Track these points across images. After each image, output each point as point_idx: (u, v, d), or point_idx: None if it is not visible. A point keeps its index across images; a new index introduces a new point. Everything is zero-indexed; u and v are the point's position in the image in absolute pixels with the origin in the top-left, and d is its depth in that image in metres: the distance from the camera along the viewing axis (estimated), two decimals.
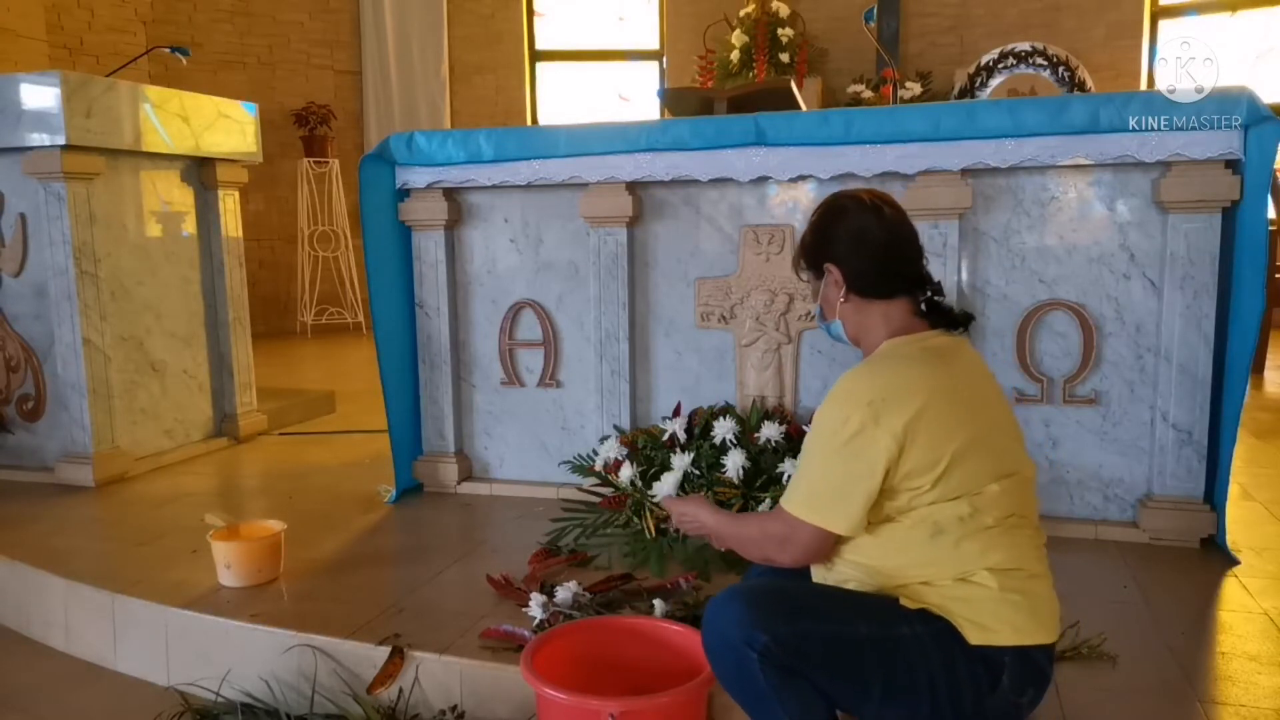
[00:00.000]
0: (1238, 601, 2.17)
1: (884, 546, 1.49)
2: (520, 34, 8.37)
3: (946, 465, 1.43)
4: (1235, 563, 2.38)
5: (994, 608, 1.43)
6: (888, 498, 1.47)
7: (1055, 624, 1.50)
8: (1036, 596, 1.47)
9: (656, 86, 8.29)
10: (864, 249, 1.59)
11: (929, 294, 1.58)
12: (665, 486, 2.42)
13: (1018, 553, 1.47)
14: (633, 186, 2.83)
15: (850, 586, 1.54)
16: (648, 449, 2.63)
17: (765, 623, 1.40)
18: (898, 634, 1.43)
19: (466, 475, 3.14)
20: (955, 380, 1.51)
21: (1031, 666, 1.46)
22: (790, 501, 1.52)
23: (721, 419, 2.58)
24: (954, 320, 1.58)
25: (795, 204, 2.76)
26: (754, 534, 1.62)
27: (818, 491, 1.49)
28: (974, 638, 1.43)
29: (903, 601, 1.47)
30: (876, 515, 1.48)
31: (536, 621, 2.00)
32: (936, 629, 1.44)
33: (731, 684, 1.47)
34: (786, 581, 1.49)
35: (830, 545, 1.52)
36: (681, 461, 2.50)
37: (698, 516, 1.73)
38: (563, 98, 8.51)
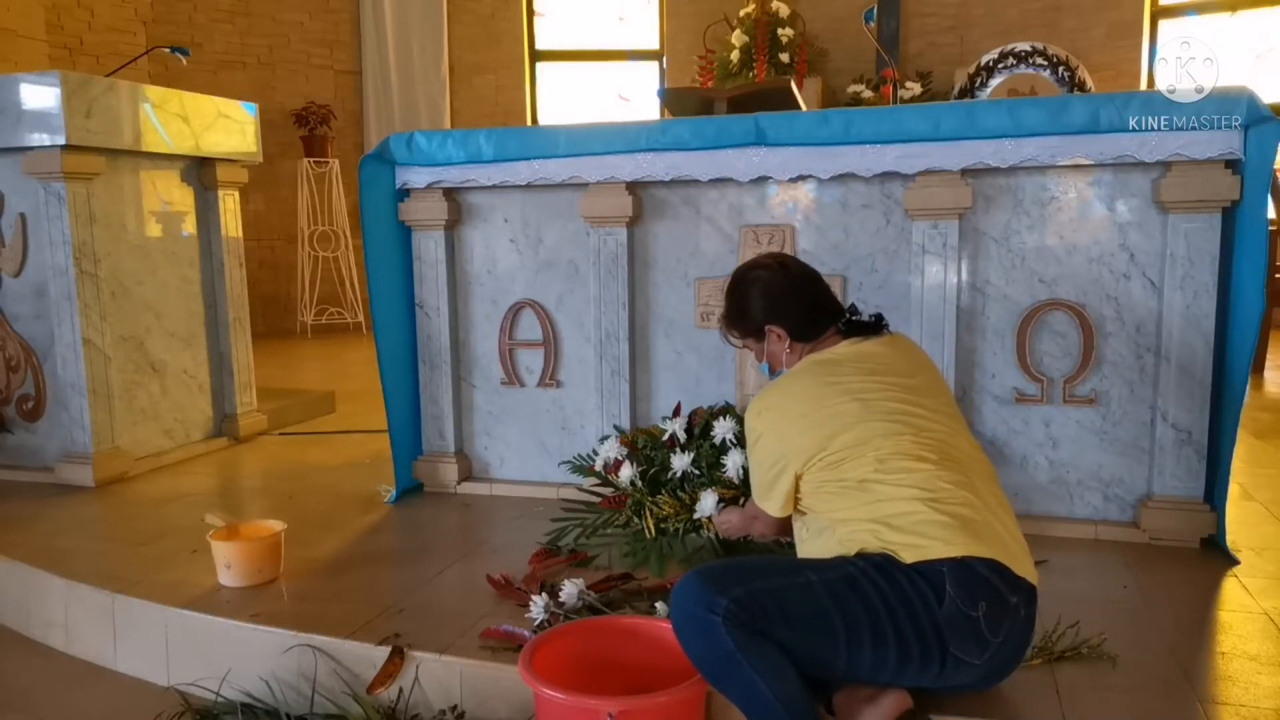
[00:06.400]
0: (1238, 601, 2.17)
1: (833, 503, 1.71)
2: (520, 34, 8.37)
3: (835, 439, 1.69)
4: (1235, 563, 2.38)
5: (925, 527, 1.58)
6: (808, 474, 1.73)
7: (1001, 546, 1.59)
8: (973, 521, 1.59)
9: (656, 86, 8.29)
10: (791, 303, 1.89)
11: (847, 316, 1.88)
12: (707, 505, 2.43)
13: (944, 485, 1.62)
14: (633, 186, 2.83)
15: (824, 539, 1.72)
16: (648, 449, 2.63)
17: (723, 588, 1.52)
18: (845, 572, 1.58)
19: (466, 475, 3.14)
20: (845, 376, 1.77)
21: (974, 577, 1.54)
22: (753, 496, 1.92)
23: (721, 419, 2.58)
24: (867, 330, 1.86)
25: (795, 204, 2.76)
26: (748, 519, 2.05)
27: (755, 484, 1.88)
28: (908, 556, 1.56)
29: (840, 553, 1.65)
30: (810, 486, 1.74)
31: (536, 622, 2.00)
32: (875, 560, 1.59)
33: (701, 657, 1.54)
34: (737, 558, 1.86)
35: (782, 519, 1.85)
36: (681, 461, 2.50)
37: (727, 516, 2.21)
38: (563, 98, 8.51)
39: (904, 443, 1.66)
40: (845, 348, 1.83)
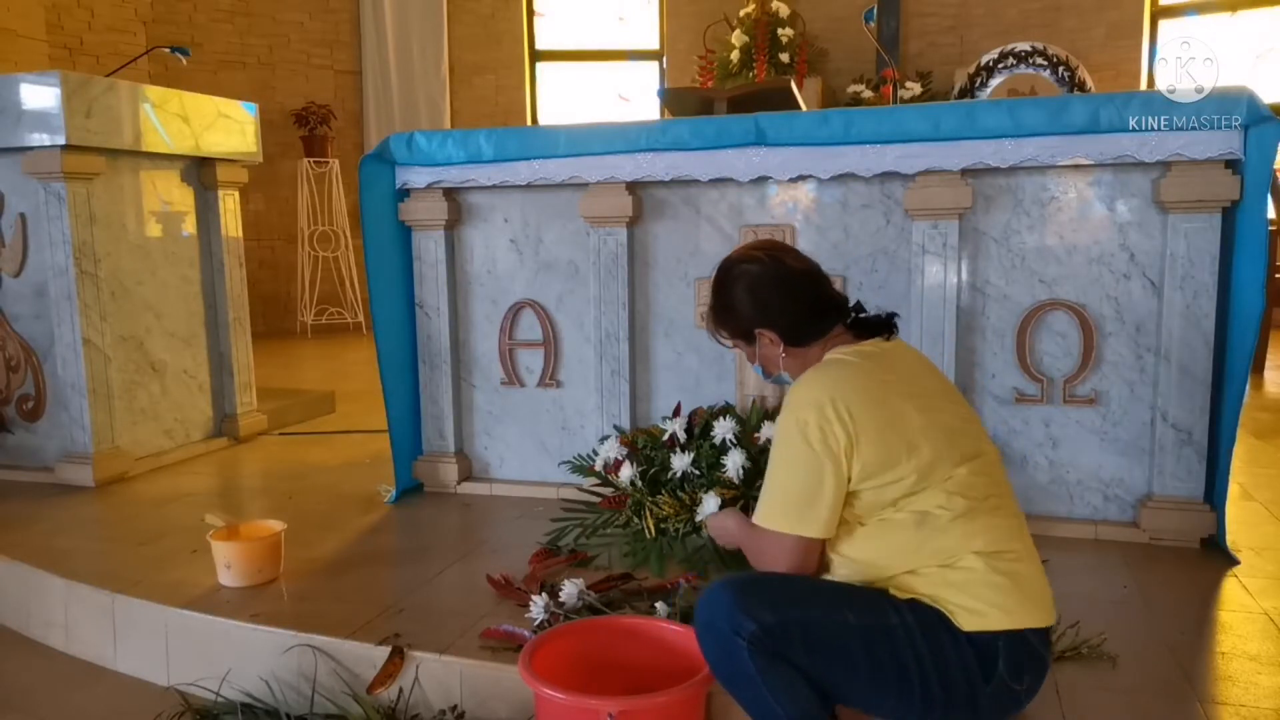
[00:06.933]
0: (1238, 601, 2.18)
1: (872, 542, 1.53)
2: (520, 34, 8.37)
3: (906, 455, 1.49)
4: (1235, 563, 2.38)
5: (982, 591, 1.46)
6: (858, 498, 1.53)
7: (1048, 607, 1.52)
8: (1025, 578, 1.50)
9: (656, 86, 8.29)
10: (786, 304, 1.66)
11: (853, 314, 1.67)
12: (709, 509, 2.36)
13: (1001, 535, 1.50)
14: (633, 186, 2.83)
15: (843, 577, 1.58)
16: (648, 449, 2.63)
17: (753, 610, 1.44)
18: (886, 623, 1.46)
19: (466, 475, 3.14)
20: (894, 375, 1.58)
21: (1027, 650, 1.47)
22: (765, 516, 1.57)
23: (721, 419, 2.57)
24: (881, 328, 1.65)
25: (795, 204, 2.76)
26: (752, 548, 1.68)
27: (789, 501, 1.54)
28: (965, 623, 1.45)
29: (892, 591, 1.50)
30: (856, 515, 1.54)
31: (536, 622, 2.00)
32: (925, 618, 1.46)
33: (721, 671, 1.51)
34: (772, 574, 1.55)
35: (816, 551, 1.57)
36: (681, 462, 2.50)
37: (725, 524, 1.81)
38: (563, 98, 8.51)
39: (964, 473, 1.50)
40: (878, 345, 1.63)
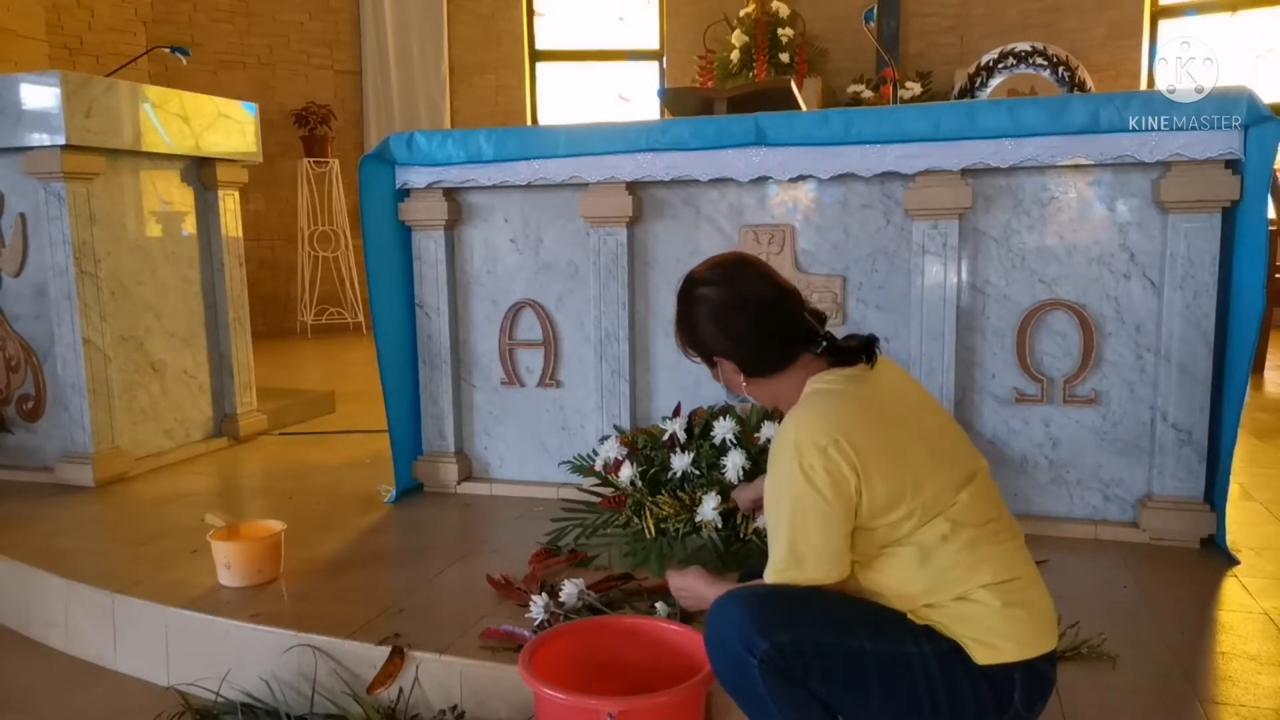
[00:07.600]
0: (1238, 601, 2.18)
1: (881, 577, 1.50)
2: (520, 34, 8.37)
3: (911, 489, 1.44)
4: (1235, 563, 2.38)
5: (998, 624, 1.43)
6: (866, 536, 1.48)
7: (1055, 627, 1.50)
8: (1036, 605, 1.48)
9: (656, 86, 8.30)
10: (745, 335, 1.58)
11: (824, 342, 1.57)
12: (708, 510, 2.36)
13: (1006, 562, 1.47)
14: (633, 186, 2.83)
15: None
16: (648, 449, 2.63)
17: (768, 630, 1.41)
18: (903, 652, 1.43)
19: (466, 475, 3.14)
20: (887, 403, 1.53)
21: (1039, 678, 1.46)
22: (778, 571, 1.50)
23: (721, 419, 2.57)
24: (857, 355, 1.55)
25: (795, 204, 2.76)
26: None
27: (801, 555, 1.47)
28: (981, 657, 1.42)
29: (910, 617, 1.48)
30: (861, 551, 1.49)
31: (536, 622, 2.00)
32: (942, 649, 1.43)
33: (731, 686, 1.48)
34: (786, 590, 1.49)
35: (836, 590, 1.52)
36: (681, 462, 2.50)
37: (696, 591, 1.77)
38: (563, 98, 8.52)
39: (966, 498, 1.47)
40: (863, 371, 1.55)
